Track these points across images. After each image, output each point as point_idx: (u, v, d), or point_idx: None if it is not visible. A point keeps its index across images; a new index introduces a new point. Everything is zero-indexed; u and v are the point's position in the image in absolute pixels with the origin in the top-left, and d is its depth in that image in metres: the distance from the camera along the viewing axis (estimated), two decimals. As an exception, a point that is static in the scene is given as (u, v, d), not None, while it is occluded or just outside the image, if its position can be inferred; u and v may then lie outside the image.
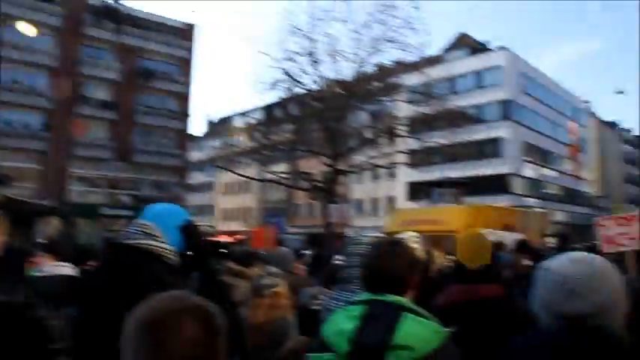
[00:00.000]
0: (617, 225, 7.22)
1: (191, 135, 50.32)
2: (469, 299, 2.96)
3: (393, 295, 2.13)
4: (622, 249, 6.96)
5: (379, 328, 2.01)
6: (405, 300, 2.14)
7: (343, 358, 2.00)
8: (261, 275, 3.91)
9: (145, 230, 2.45)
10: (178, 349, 1.26)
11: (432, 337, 2.01)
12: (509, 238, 10.82)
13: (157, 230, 2.46)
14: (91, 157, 36.80)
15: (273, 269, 4.10)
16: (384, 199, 55.51)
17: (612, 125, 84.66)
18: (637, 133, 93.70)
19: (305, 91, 29.32)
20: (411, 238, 4.29)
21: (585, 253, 1.79)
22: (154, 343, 1.27)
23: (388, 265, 2.17)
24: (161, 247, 2.42)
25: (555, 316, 1.65)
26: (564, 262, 1.73)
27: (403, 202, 49.43)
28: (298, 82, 28.66)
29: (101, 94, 38.32)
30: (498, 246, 8.44)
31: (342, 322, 2.10)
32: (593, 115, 76.06)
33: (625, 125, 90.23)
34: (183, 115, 42.77)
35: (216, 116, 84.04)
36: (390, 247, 2.26)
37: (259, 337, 3.60)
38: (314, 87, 28.92)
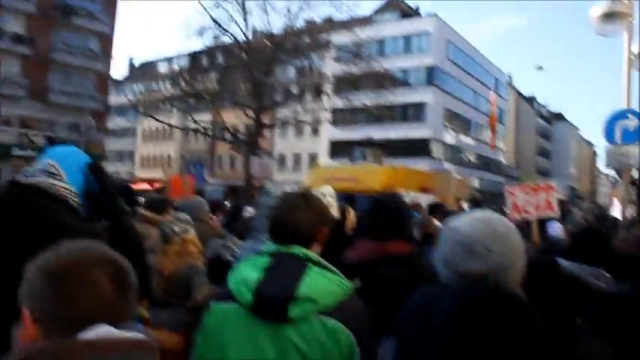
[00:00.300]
0: (525, 194, 7.58)
1: (112, 78, 48.14)
2: (377, 255, 2.93)
3: (300, 247, 2.10)
4: (527, 217, 7.35)
5: (283, 279, 1.98)
6: (311, 253, 2.10)
7: (246, 308, 1.97)
8: (170, 222, 3.82)
9: (47, 169, 2.27)
10: (88, 303, 1.22)
11: (336, 290, 2.00)
12: (426, 200, 11.12)
13: (60, 170, 2.31)
14: (2, 94, 34.55)
15: (184, 216, 3.99)
16: (306, 156, 55.64)
17: (530, 100, 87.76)
18: (551, 109, 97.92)
19: (233, 41, 28.66)
20: (326, 193, 4.25)
21: (489, 214, 1.80)
22: (62, 296, 1.22)
23: (295, 217, 2.13)
24: (63, 187, 2.26)
25: (455, 273, 1.67)
26: (466, 222, 1.74)
27: (325, 160, 49.77)
28: (226, 30, 28.01)
29: (15, 27, 35.62)
30: (414, 207, 8.67)
31: (246, 272, 2.06)
32: (513, 88, 78.55)
33: (541, 100, 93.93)
34: (106, 56, 40.82)
35: (139, 60, 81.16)
36: (299, 200, 2.21)
37: (167, 285, 3.55)
38: (242, 38, 28.31)
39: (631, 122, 8.41)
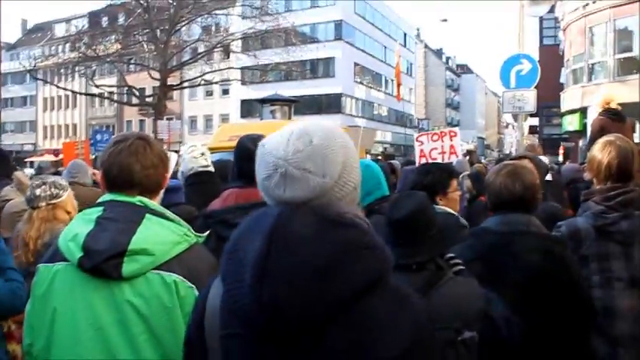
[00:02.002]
0: (431, 140, 7.97)
1: (3, 42, 45.11)
2: (246, 201, 2.67)
3: (137, 195, 1.89)
4: (432, 161, 7.53)
5: (116, 231, 1.77)
6: (150, 201, 1.91)
7: (76, 267, 1.75)
8: (37, 185, 3.52)
9: None
10: None
11: (177, 240, 1.83)
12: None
13: None
14: None
15: (59, 180, 3.71)
16: (217, 116, 54.81)
17: (438, 53, 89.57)
18: (458, 62, 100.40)
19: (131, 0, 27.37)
20: (202, 149, 4.17)
21: (308, 125, 1.43)
22: None
23: (132, 162, 1.89)
24: None
25: (275, 202, 1.41)
26: (278, 139, 1.41)
27: (237, 120, 49.14)
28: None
29: None
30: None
31: (76, 226, 1.83)
32: (421, 41, 79.88)
33: (448, 53, 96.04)
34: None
35: (33, 22, 76.57)
36: (136, 143, 1.94)
37: (31, 252, 3.30)
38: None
39: (524, 67, 8.64)
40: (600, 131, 5.87)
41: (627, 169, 2.89)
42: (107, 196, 1.92)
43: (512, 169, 2.73)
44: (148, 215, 1.84)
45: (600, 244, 2.79)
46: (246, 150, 2.81)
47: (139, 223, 1.80)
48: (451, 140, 7.82)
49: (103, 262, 1.72)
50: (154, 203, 1.93)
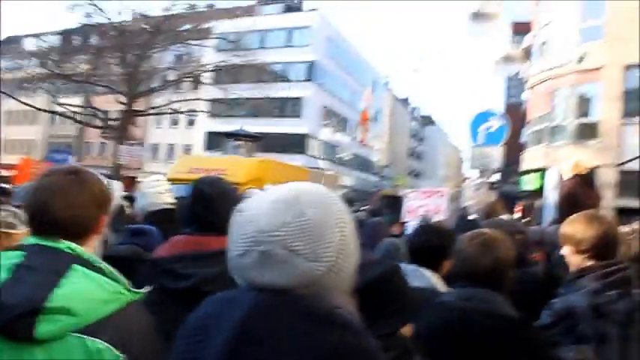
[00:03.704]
0: (419, 198, 8.05)
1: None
2: (190, 251, 2.45)
3: (66, 240, 1.61)
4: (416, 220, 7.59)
5: (32, 284, 1.50)
6: (79, 248, 1.62)
7: None
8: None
9: None
10: None
11: (107, 298, 1.55)
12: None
13: None
14: None
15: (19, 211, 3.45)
16: (181, 146, 54.31)
17: (404, 102, 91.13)
18: (423, 113, 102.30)
19: (107, 21, 27.14)
20: (159, 179, 3.93)
21: (301, 191, 1.16)
22: None
23: (62, 201, 1.63)
24: None
25: (249, 284, 1.13)
26: (262, 206, 1.13)
27: (200, 151, 48.83)
28: (100, 9, 26.42)
29: None
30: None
31: None
32: (389, 90, 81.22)
33: (415, 103, 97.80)
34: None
35: (3, 34, 75.46)
36: (68, 178, 1.68)
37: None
38: (117, 18, 26.85)
39: (493, 123, 8.75)
40: (570, 196, 5.89)
41: (616, 245, 2.82)
42: (30, 239, 1.65)
43: (485, 240, 2.50)
44: (75, 266, 1.56)
45: (597, 325, 2.62)
46: (202, 193, 2.61)
47: (63, 275, 1.52)
48: (438, 200, 7.90)
49: (14, 320, 1.44)
50: (86, 251, 1.64)
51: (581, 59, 21.83)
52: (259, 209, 1.13)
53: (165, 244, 2.67)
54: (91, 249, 1.71)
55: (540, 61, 25.46)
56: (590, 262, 2.78)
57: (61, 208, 1.62)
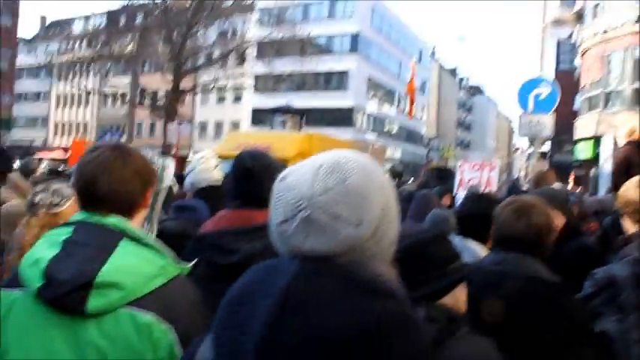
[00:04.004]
0: (472, 169, 8.04)
1: (21, 37, 45.26)
2: (243, 225, 2.37)
3: (114, 216, 1.64)
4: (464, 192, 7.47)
5: (83, 259, 1.51)
6: (127, 224, 1.65)
7: (35, 297, 1.50)
8: (40, 191, 3.34)
9: None
10: None
11: (154, 272, 1.56)
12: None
13: None
14: None
15: (64, 188, 3.52)
16: (228, 123, 54.74)
17: (452, 72, 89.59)
18: (472, 83, 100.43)
19: (150, 1, 27.38)
20: (208, 156, 3.92)
21: (341, 158, 1.14)
22: None
23: (108, 178, 1.64)
24: None
25: (292, 252, 1.11)
26: (303, 172, 1.13)
27: (247, 127, 49.12)
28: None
29: None
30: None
31: (40, 251, 1.57)
32: (436, 60, 79.90)
33: (462, 73, 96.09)
34: (11, 11, 38.20)
35: (52, 18, 77.24)
36: (113, 155, 1.69)
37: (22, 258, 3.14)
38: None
39: (543, 90, 8.49)
40: (625, 161, 5.73)
41: None
42: (78, 215, 1.68)
43: (520, 205, 2.52)
44: (123, 242, 1.58)
45: (639, 294, 2.49)
46: (244, 167, 2.57)
47: (112, 250, 1.54)
48: (490, 172, 7.89)
49: (65, 295, 1.47)
50: (133, 227, 1.66)
51: (639, 19, 20.91)
52: (301, 176, 1.12)
53: (212, 220, 2.68)
54: (138, 223, 1.74)
55: (593, 24, 24.55)
56: (636, 228, 2.68)
57: (106, 183, 1.64)
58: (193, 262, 1.75)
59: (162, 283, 1.57)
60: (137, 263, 1.55)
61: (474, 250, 2.81)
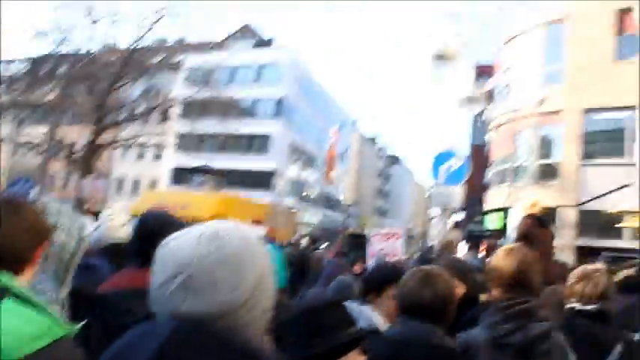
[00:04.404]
0: (380, 240, 8.27)
1: None
2: (138, 286, 2.36)
3: (1, 271, 1.54)
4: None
5: None
6: (12, 281, 1.56)
7: None
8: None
9: None
10: None
11: (37, 334, 1.44)
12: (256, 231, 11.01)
13: None
14: None
15: None
16: (147, 180, 53.73)
17: (372, 141, 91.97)
18: (390, 153, 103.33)
19: (76, 51, 26.96)
20: (122, 209, 3.88)
21: (222, 228, 1.23)
22: None
23: None
24: None
25: (170, 314, 1.15)
26: (185, 239, 1.19)
27: (166, 186, 48.37)
28: (69, 39, 26.19)
29: None
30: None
31: None
32: (357, 129, 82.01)
33: (382, 143, 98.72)
34: None
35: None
36: (3, 209, 1.62)
37: None
38: (86, 48, 26.69)
39: (454, 163, 8.89)
40: (525, 234, 6.06)
41: (526, 278, 2.83)
42: None
43: (425, 274, 2.61)
44: (5, 301, 1.48)
45: (495, 357, 2.67)
46: (147, 227, 2.57)
47: None
48: (396, 242, 8.17)
49: None
50: (19, 285, 1.57)
51: (541, 102, 22.48)
52: (183, 242, 1.19)
53: (111, 279, 2.63)
54: (25, 281, 1.65)
55: (503, 104, 26.06)
56: (498, 295, 2.81)
57: None
58: (82, 323, 1.68)
59: (47, 343, 1.46)
60: (17, 324, 1.45)
61: (370, 317, 2.88)
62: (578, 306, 3.40)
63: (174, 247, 1.19)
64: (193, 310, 1.12)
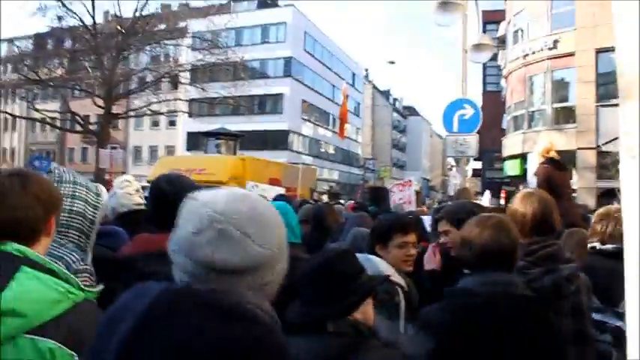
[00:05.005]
0: (399, 190, 8.45)
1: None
2: (153, 250, 2.26)
3: (14, 242, 1.59)
4: (402, 210, 7.84)
5: None
6: (29, 250, 1.60)
7: None
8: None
9: None
10: None
11: (56, 298, 1.52)
12: (273, 191, 11.01)
13: None
14: None
15: None
16: (163, 148, 54.04)
17: (385, 94, 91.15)
18: (405, 104, 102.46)
19: (79, 24, 26.75)
20: (130, 180, 3.89)
21: (250, 193, 1.33)
22: None
23: (6, 205, 1.61)
24: None
25: (193, 264, 1.19)
26: (217, 194, 1.25)
27: (182, 152, 48.58)
28: (71, 10, 25.96)
29: None
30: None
31: None
32: (369, 82, 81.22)
33: (396, 95, 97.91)
34: None
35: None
36: (11, 182, 1.66)
37: None
38: (90, 20, 26.46)
39: (467, 112, 8.79)
40: (546, 179, 6.04)
41: (548, 221, 2.83)
42: None
43: (499, 221, 2.48)
44: (23, 268, 1.53)
45: None
46: (160, 191, 2.57)
47: (11, 277, 1.49)
48: (409, 190, 8.23)
49: None
50: (35, 253, 1.62)
51: (553, 45, 22.14)
52: (215, 196, 1.26)
53: (129, 244, 2.65)
54: (41, 250, 1.69)
55: (515, 49, 25.66)
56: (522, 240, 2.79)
57: (3, 209, 1.61)
58: (100, 287, 1.72)
59: (67, 308, 1.54)
60: (39, 289, 1.51)
61: (377, 266, 2.87)
62: (598, 245, 3.39)
63: (207, 200, 1.25)
64: (224, 259, 1.18)
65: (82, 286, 1.62)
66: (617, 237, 3.31)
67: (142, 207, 3.74)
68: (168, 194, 2.51)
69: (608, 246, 3.39)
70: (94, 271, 2.18)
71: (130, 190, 3.79)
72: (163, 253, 2.31)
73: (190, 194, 1.30)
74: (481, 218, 2.56)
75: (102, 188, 2.71)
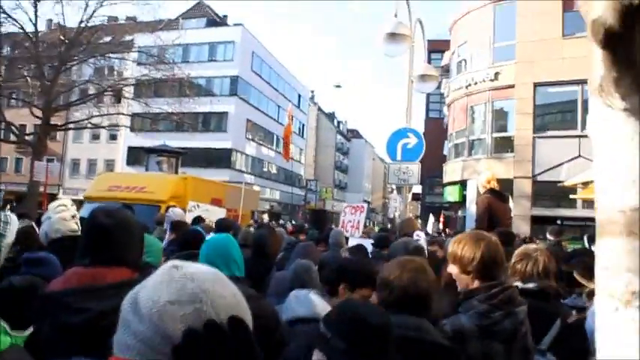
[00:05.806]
0: (350, 213, 8.63)
1: None
2: (92, 284, 2.21)
3: None
4: (348, 235, 8.09)
5: None
6: None
7: None
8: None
9: None
10: None
11: None
12: (215, 212, 10.90)
13: None
14: None
15: None
16: (102, 162, 52.73)
17: (330, 116, 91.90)
18: (349, 127, 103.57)
19: (19, 31, 25.89)
20: (67, 204, 3.75)
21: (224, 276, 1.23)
22: None
23: None
24: None
25: (155, 330, 1.10)
26: (205, 274, 1.18)
27: (122, 167, 47.64)
28: (11, 17, 25.10)
29: None
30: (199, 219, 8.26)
31: None
32: (315, 104, 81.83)
33: (340, 117, 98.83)
34: None
35: None
36: None
37: None
38: (31, 28, 25.68)
39: (410, 140, 8.92)
40: (486, 209, 6.19)
41: (500, 264, 2.85)
42: None
43: (419, 265, 2.53)
44: None
45: (485, 344, 2.67)
46: (98, 225, 2.44)
47: None
48: (360, 215, 8.36)
49: None
50: None
51: (495, 77, 22.93)
52: (205, 271, 1.18)
53: (60, 277, 2.53)
54: None
55: (458, 79, 26.37)
56: (476, 283, 2.79)
57: None
58: (29, 331, 1.64)
59: None
60: None
61: (314, 306, 2.85)
62: (520, 284, 3.46)
63: (193, 273, 1.16)
64: None
65: (8, 330, 1.52)
66: (536, 276, 3.49)
67: (77, 233, 3.60)
68: (107, 228, 2.41)
69: (530, 285, 3.48)
70: (23, 300, 2.07)
71: (65, 215, 3.65)
72: (98, 289, 2.23)
73: (175, 262, 1.19)
74: (400, 260, 2.59)
75: (13, 217, 2.58)
